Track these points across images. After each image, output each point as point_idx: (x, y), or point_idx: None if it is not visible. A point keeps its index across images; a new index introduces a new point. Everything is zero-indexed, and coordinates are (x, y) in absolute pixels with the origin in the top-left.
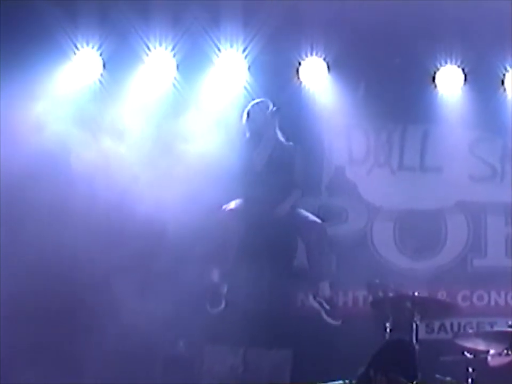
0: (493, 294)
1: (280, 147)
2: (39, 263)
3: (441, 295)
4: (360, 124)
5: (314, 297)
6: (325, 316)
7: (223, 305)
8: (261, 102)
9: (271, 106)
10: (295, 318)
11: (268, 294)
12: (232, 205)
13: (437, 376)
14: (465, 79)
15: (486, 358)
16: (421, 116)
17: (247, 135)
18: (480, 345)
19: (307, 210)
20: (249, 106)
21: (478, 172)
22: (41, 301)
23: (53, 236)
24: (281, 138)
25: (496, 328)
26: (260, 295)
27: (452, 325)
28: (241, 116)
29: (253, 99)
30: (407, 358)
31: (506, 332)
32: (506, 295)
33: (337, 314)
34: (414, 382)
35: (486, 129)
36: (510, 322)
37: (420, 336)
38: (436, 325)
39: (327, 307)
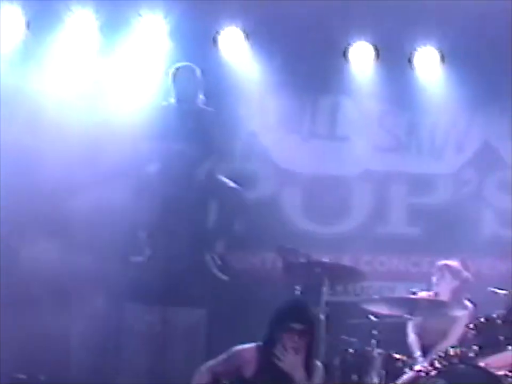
0: (394, 260)
1: (200, 113)
2: None
3: (345, 259)
4: (275, 93)
5: (208, 253)
6: (214, 270)
7: (145, 255)
8: (187, 66)
9: (198, 71)
10: (210, 279)
11: (184, 255)
12: (155, 169)
13: (343, 337)
14: (377, 56)
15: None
16: (332, 88)
17: (171, 99)
18: (384, 310)
19: (221, 174)
20: (173, 69)
21: (384, 143)
22: None
23: None
24: (202, 105)
25: (397, 294)
26: (178, 256)
27: (355, 288)
28: (162, 80)
29: (173, 64)
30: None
31: (408, 299)
32: (406, 260)
33: (226, 270)
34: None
35: (393, 103)
36: (411, 290)
37: (327, 299)
38: (341, 288)
39: (219, 262)
